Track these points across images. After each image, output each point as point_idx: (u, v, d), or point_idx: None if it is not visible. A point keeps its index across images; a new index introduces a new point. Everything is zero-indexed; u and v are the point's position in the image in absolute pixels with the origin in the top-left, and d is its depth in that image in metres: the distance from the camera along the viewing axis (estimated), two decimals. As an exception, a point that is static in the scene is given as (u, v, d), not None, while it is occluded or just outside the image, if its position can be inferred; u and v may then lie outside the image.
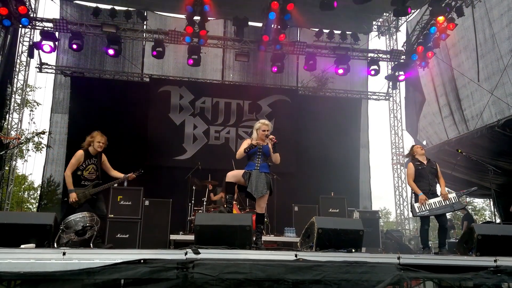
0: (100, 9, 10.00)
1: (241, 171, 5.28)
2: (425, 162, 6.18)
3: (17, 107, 11.38)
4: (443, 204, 5.86)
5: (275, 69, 10.66)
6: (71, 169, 5.64)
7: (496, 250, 4.16)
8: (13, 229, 3.80)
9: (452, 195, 5.94)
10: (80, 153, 5.73)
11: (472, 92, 10.54)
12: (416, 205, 5.96)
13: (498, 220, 9.40)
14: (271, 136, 5.16)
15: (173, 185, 9.52)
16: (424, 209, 5.87)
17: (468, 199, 27.14)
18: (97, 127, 10.53)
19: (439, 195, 6.00)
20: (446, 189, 6.22)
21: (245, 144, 5.33)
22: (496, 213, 9.79)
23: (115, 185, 5.97)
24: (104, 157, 5.95)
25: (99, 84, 11.43)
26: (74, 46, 9.79)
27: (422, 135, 12.82)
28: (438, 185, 6.17)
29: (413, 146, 6.55)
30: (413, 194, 6.12)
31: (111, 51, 9.88)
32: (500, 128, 8.67)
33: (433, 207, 5.88)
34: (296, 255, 3.56)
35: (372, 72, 11.12)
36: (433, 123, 12.34)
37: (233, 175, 5.25)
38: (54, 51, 9.96)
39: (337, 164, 11.24)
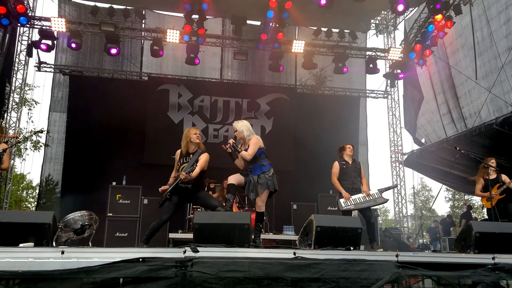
0: (98, 8, 9.99)
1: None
2: (350, 161, 6.56)
3: (16, 106, 11.37)
4: (367, 199, 6.28)
5: (281, 68, 10.71)
6: (173, 171, 5.37)
7: (494, 247, 4.16)
8: (12, 228, 3.79)
9: (375, 191, 6.37)
10: (177, 152, 5.34)
11: (470, 90, 10.55)
12: (342, 200, 6.30)
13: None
14: (229, 141, 5.21)
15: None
16: (349, 204, 6.25)
17: (466, 197, 27.25)
18: (96, 126, 10.69)
19: (362, 192, 6.40)
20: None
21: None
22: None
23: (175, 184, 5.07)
24: (202, 156, 5.17)
25: (97, 83, 11.43)
26: (73, 45, 9.78)
27: (420, 133, 12.83)
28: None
29: (345, 145, 6.76)
30: (338, 192, 6.47)
31: (113, 50, 9.87)
32: (498, 126, 8.67)
33: (358, 202, 6.28)
34: (294, 253, 3.56)
35: (370, 71, 11.15)
36: (432, 121, 12.36)
37: (235, 177, 5.26)
38: (52, 50, 9.95)
39: (335, 162, 11.24)
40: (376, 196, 6.29)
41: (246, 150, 5.18)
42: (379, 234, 9.67)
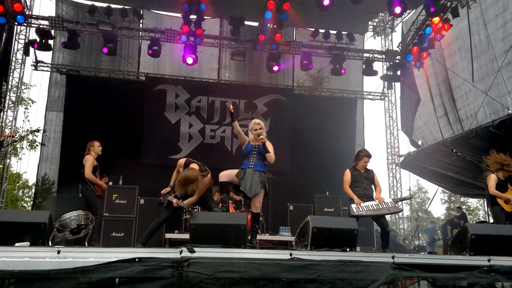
0: (96, 7, 9.96)
1: (235, 171, 5.30)
2: (362, 170, 6.52)
3: (12, 105, 11.32)
4: (380, 207, 6.21)
5: (277, 68, 10.73)
6: (175, 172, 5.69)
7: (489, 249, 4.18)
8: (8, 227, 3.79)
9: (389, 200, 6.34)
10: (181, 161, 5.65)
11: (467, 93, 10.59)
12: (353, 206, 6.24)
13: (491, 220, 9.45)
14: (260, 137, 5.19)
15: (168, 184, 9.51)
16: (361, 210, 6.18)
17: (462, 199, 27.34)
18: (92, 125, 10.66)
19: (375, 199, 6.34)
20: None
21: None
22: (489, 213, 9.84)
23: None
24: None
25: (94, 83, 11.39)
26: (70, 44, 9.75)
27: (417, 135, 12.87)
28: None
29: (361, 155, 6.60)
30: (349, 198, 6.41)
31: (106, 50, 9.85)
32: (494, 129, 8.70)
33: (370, 208, 6.21)
34: (291, 254, 3.56)
35: (368, 72, 11.17)
36: (428, 123, 12.39)
37: (226, 174, 5.26)
38: (49, 49, 9.92)
39: (332, 163, 11.23)
40: (390, 205, 6.20)
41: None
42: (375, 236, 9.69)
